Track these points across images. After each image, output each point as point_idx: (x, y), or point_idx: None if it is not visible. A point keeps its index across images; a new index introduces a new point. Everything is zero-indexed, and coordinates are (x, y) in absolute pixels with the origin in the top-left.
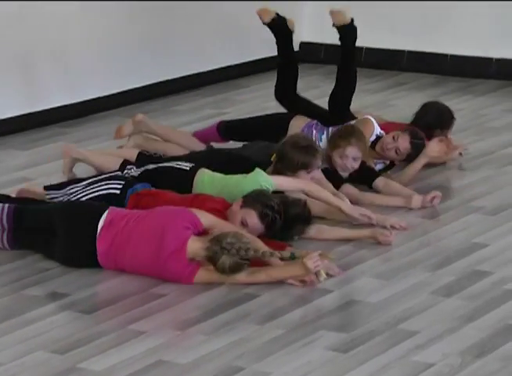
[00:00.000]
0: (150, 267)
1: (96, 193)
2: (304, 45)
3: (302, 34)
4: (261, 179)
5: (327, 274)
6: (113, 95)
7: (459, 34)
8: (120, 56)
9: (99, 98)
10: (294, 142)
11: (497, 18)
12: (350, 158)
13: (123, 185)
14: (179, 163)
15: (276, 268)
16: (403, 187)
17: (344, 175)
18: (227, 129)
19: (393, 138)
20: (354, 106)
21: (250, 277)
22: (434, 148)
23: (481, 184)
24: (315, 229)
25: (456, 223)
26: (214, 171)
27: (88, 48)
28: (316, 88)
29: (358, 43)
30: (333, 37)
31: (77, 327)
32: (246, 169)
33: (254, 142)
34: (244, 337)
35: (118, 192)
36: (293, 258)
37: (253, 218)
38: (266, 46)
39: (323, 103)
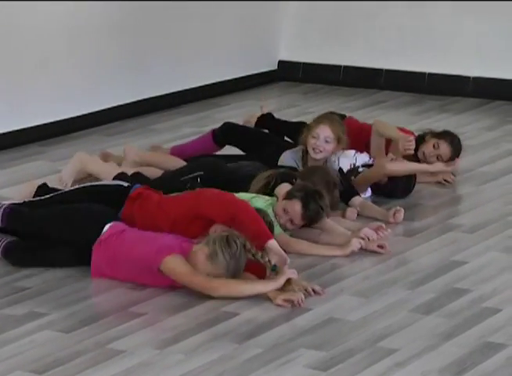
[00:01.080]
0: (142, 239)
1: (106, 182)
2: (282, 63)
3: (281, 53)
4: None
5: (313, 291)
6: (92, 113)
7: (436, 53)
8: (99, 74)
9: (78, 117)
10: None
11: (474, 37)
12: (321, 138)
13: (131, 183)
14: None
15: (250, 281)
16: (379, 208)
17: (317, 158)
18: (226, 132)
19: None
20: None
21: (215, 279)
22: (439, 167)
23: (460, 202)
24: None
25: (435, 241)
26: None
27: (67, 67)
28: (294, 106)
29: (336, 61)
30: (311, 56)
31: (55, 347)
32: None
33: (244, 162)
34: (223, 355)
35: (126, 185)
36: (274, 269)
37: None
38: (246, 64)
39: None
